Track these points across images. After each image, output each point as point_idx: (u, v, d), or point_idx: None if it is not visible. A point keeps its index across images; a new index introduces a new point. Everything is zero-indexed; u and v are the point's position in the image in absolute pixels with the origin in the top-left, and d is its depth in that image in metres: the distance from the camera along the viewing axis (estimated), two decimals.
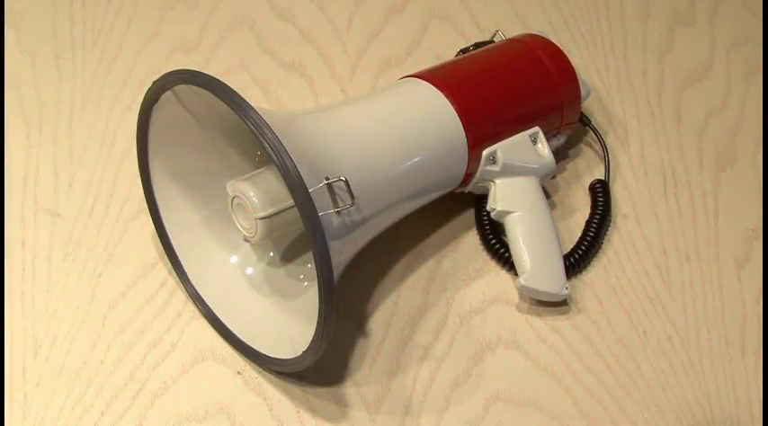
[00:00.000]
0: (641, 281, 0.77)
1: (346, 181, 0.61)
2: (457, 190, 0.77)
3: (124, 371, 0.69)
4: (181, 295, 0.74)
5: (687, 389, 0.71)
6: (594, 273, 0.77)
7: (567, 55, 0.79)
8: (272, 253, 0.74)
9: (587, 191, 0.82)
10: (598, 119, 0.88)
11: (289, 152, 0.57)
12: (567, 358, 0.72)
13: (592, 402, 0.70)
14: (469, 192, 0.78)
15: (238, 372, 0.70)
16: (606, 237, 0.80)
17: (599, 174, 0.83)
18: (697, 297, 0.76)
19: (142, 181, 0.72)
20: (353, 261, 0.68)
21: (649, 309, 0.75)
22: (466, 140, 0.72)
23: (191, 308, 0.73)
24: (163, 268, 0.75)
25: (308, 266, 0.73)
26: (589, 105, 0.88)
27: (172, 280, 0.74)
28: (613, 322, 0.74)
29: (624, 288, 0.76)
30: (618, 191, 0.83)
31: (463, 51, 0.87)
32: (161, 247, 0.74)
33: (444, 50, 0.93)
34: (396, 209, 0.70)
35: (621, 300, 0.76)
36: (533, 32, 0.83)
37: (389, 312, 0.74)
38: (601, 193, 0.80)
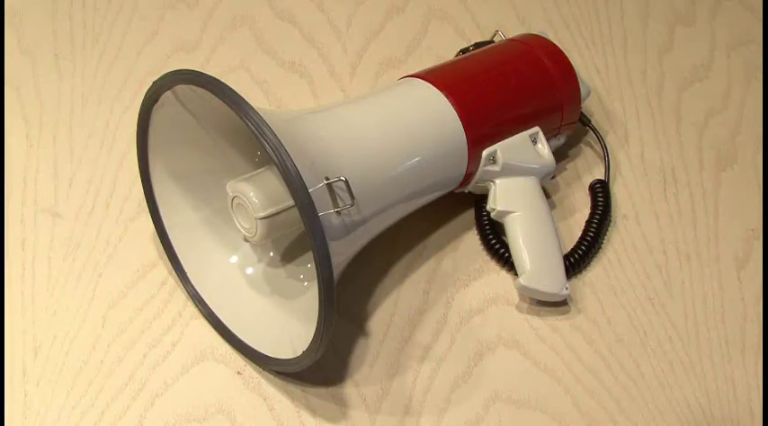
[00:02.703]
0: (641, 281, 0.77)
1: (346, 182, 0.61)
2: (457, 191, 0.77)
3: (124, 371, 0.69)
4: (181, 295, 0.74)
5: (687, 389, 0.71)
6: (594, 273, 0.77)
7: (567, 55, 0.79)
8: (272, 253, 0.74)
9: (587, 191, 0.82)
10: (598, 119, 0.88)
11: (289, 152, 0.57)
12: (566, 358, 0.72)
13: (592, 402, 0.70)
14: (469, 192, 0.78)
15: (238, 372, 0.70)
16: (606, 237, 0.80)
17: (599, 174, 0.83)
18: (697, 297, 0.76)
19: (142, 181, 0.72)
20: (353, 261, 0.68)
21: (649, 309, 0.75)
22: (466, 140, 0.72)
23: (191, 308, 0.73)
24: (163, 268, 0.75)
25: (307, 266, 0.73)
26: (589, 105, 0.88)
27: (172, 280, 0.74)
28: (613, 322, 0.74)
29: (624, 288, 0.76)
30: (618, 191, 0.83)
31: (463, 51, 0.87)
32: (161, 247, 0.74)
33: (444, 50, 0.93)
34: (396, 209, 0.70)
35: (621, 300, 0.76)
36: (533, 32, 0.83)
37: (389, 312, 0.74)
38: (601, 193, 0.80)
